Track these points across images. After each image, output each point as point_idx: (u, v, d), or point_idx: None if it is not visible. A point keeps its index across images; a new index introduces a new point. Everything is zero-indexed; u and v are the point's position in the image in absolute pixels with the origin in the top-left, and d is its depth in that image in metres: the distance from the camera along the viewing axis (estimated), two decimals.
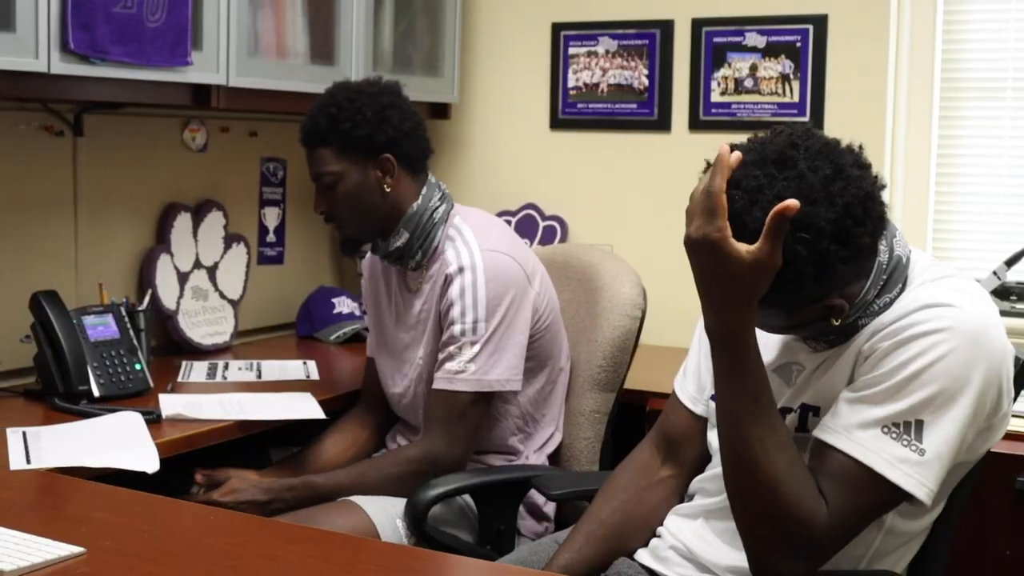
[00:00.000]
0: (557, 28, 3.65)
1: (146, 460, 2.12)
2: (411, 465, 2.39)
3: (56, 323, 2.52)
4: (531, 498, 2.46)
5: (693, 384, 1.97)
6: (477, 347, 2.37)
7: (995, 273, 3.10)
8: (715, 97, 3.41)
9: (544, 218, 3.63)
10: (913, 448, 1.58)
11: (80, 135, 2.90)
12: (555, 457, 2.57)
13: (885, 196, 1.66)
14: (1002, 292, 3.11)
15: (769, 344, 1.77)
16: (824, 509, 1.59)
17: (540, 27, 3.68)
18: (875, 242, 1.63)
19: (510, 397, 2.47)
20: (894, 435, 1.58)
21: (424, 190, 2.50)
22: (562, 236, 3.62)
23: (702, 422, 1.94)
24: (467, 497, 2.39)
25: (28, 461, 2.06)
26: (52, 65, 2.37)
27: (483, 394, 2.40)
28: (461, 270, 2.40)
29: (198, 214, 3.23)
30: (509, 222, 3.63)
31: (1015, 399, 1.72)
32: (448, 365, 2.39)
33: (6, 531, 1.64)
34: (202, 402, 2.52)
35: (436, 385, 2.41)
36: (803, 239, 1.54)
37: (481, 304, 2.39)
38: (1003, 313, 3.02)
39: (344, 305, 3.51)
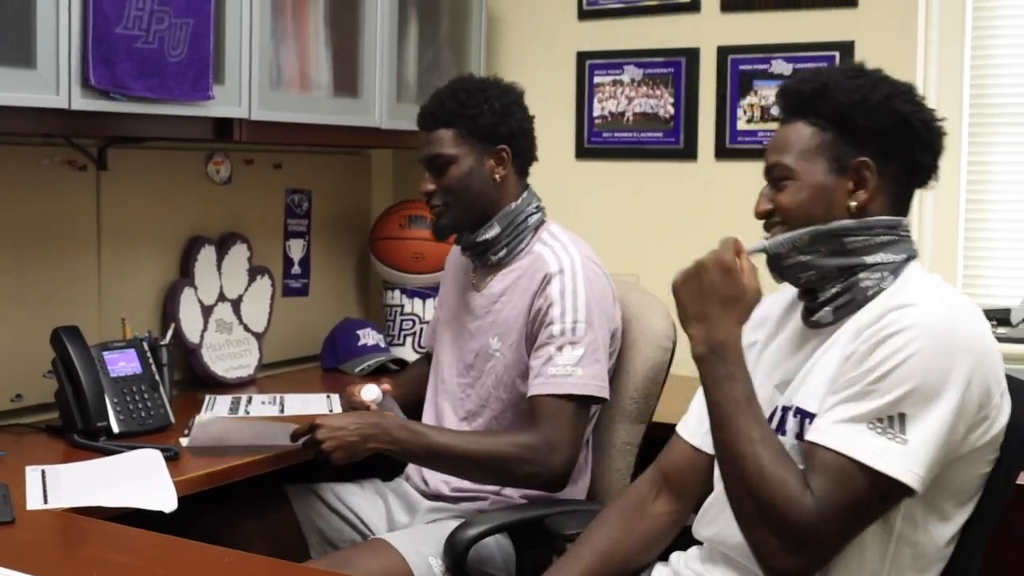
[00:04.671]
0: (582, 57, 3.64)
1: (163, 499, 2.10)
2: (521, 450, 2.33)
3: (76, 359, 2.51)
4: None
5: (694, 419, 2.05)
6: (580, 350, 2.35)
7: None
8: (741, 125, 3.39)
9: None
10: (897, 440, 1.63)
11: (104, 169, 2.91)
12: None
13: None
14: None
15: (772, 361, 1.90)
16: (809, 498, 1.64)
17: (565, 56, 3.68)
18: (925, 174, 1.84)
19: None
20: (879, 430, 1.63)
21: (525, 194, 2.57)
22: None
23: (701, 454, 2.00)
24: (504, 536, 2.37)
25: (45, 501, 2.05)
26: (73, 101, 2.37)
27: (590, 399, 2.38)
28: (561, 271, 2.42)
29: (222, 247, 3.23)
30: None
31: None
32: (551, 369, 2.36)
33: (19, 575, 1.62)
34: (228, 428, 2.55)
35: (541, 390, 2.35)
36: (904, 102, 1.80)
37: (581, 307, 2.39)
38: None
39: (369, 337, 3.49)
